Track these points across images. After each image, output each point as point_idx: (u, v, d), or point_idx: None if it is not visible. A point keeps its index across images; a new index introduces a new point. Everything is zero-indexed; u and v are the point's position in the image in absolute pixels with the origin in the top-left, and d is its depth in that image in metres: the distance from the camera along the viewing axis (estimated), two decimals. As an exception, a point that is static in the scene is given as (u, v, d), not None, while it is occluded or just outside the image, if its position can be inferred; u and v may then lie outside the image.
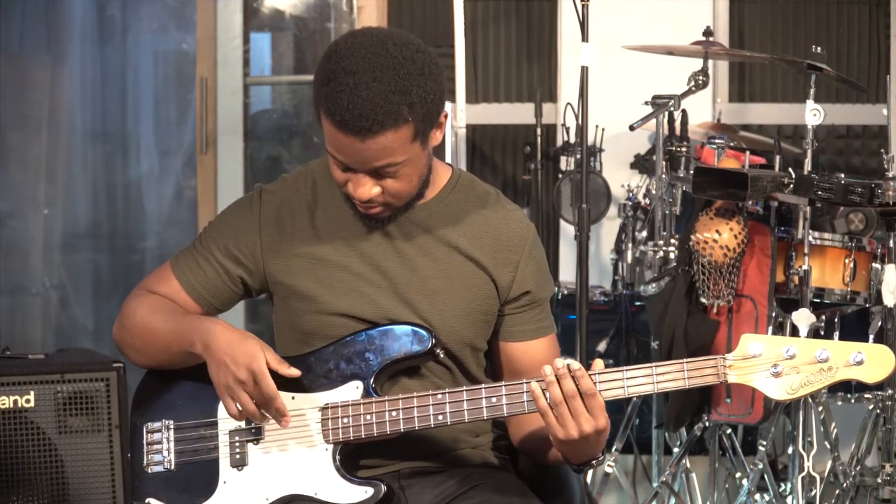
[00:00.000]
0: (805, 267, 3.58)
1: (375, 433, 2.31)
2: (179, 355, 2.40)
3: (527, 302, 2.43)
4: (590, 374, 2.22)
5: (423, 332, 2.34)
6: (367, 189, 2.28)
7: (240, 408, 2.31)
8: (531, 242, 2.43)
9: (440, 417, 2.29)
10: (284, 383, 2.36)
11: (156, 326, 2.41)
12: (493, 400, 2.27)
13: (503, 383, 2.28)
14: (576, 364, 2.22)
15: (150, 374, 2.49)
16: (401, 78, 2.22)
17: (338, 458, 2.33)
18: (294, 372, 2.33)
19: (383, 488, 2.30)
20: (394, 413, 2.30)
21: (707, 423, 3.77)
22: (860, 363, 2.18)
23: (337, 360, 2.36)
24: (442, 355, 2.36)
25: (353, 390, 2.34)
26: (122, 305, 2.50)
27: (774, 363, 2.20)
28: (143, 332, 2.43)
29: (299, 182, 2.45)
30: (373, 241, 2.39)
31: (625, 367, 2.24)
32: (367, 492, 2.31)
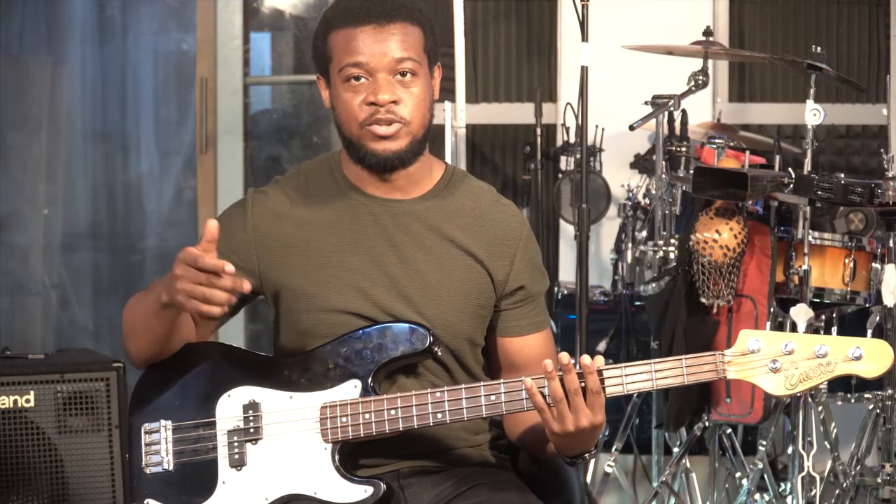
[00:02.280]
0: (805, 267, 3.58)
1: (374, 432, 2.31)
2: (158, 319, 2.34)
3: (521, 297, 2.43)
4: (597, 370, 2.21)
5: (422, 331, 2.34)
6: (390, 88, 2.30)
7: (207, 298, 2.21)
8: (526, 237, 2.44)
9: (439, 416, 2.29)
10: (283, 383, 2.37)
11: (137, 309, 2.41)
12: (492, 398, 2.27)
13: (502, 381, 2.29)
14: (587, 358, 2.21)
15: (148, 375, 2.49)
16: None
17: (337, 457, 2.33)
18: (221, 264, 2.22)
19: (383, 487, 2.30)
20: (392, 412, 2.30)
21: (707, 423, 3.77)
22: (859, 358, 2.18)
23: (335, 359, 2.36)
24: (440, 353, 2.36)
25: (351, 389, 2.34)
26: (124, 311, 2.48)
27: (773, 359, 2.20)
28: (132, 321, 2.42)
29: (292, 182, 2.46)
30: (368, 236, 2.40)
31: (624, 364, 2.24)
32: (366, 491, 2.31)
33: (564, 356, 2.21)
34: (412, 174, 2.40)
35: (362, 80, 2.32)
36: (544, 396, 2.21)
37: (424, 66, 2.35)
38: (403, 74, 2.32)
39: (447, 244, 2.40)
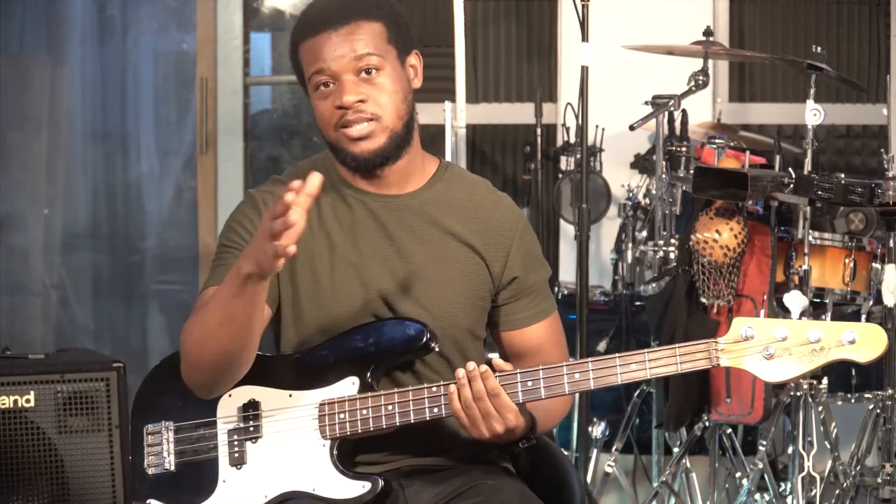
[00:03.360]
0: (805, 267, 3.58)
1: (372, 428, 2.31)
2: (241, 301, 2.20)
3: (517, 289, 2.45)
4: (497, 376, 2.25)
5: (419, 327, 2.34)
6: (354, 89, 2.31)
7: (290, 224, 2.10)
8: (522, 228, 2.45)
9: (435, 410, 2.30)
10: (282, 381, 2.37)
11: (206, 314, 2.26)
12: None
13: (496, 374, 2.28)
14: (483, 367, 2.25)
15: (151, 377, 2.49)
16: None
17: (335, 453, 2.33)
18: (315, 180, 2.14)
19: (381, 483, 2.31)
20: (390, 407, 2.30)
21: (707, 423, 3.77)
22: (852, 342, 2.17)
23: (333, 356, 2.36)
24: (437, 349, 2.36)
25: (349, 386, 2.34)
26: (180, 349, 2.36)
27: (766, 346, 2.20)
28: (203, 329, 2.26)
29: (291, 179, 2.45)
30: (368, 232, 2.40)
31: (618, 354, 2.24)
32: (364, 486, 2.31)
33: (470, 364, 2.25)
34: (403, 169, 2.41)
35: (330, 85, 2.34)
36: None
37: (391, 58, 2.35)
38: (368, 72, 2.33)
39: (445, 236, 2.41)
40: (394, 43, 2.36)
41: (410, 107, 2.39)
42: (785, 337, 2.20)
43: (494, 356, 2.32)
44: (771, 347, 2.20)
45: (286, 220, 2.07)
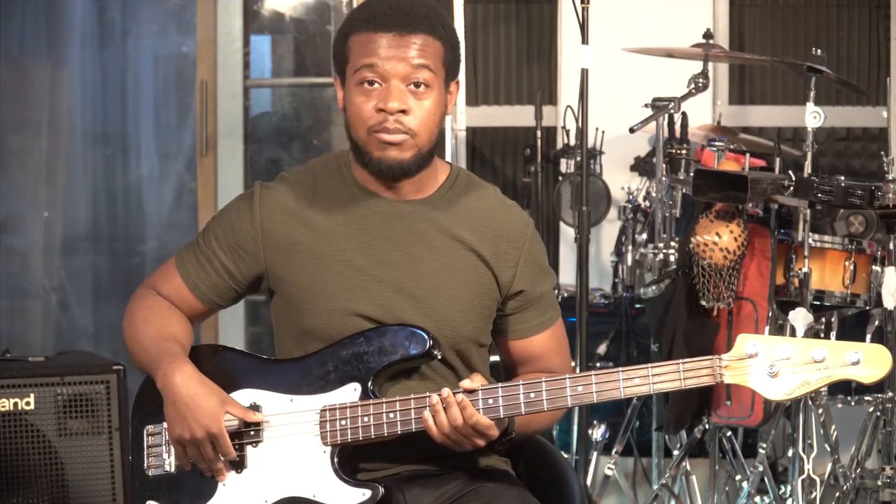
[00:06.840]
0: (805, 269, 3.58)
1: (373, 435, 2.31)
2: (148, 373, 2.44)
3: (524, 300, 2.45)
4: (470, 390, 2.26)
5: (422, 334, 2.34)
6: (401, 97, 2.29)
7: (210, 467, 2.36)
8: (530, 238, 2.45)
9: (437, 418, 2.29)
10: (283, 386, 2.37)
11: (141, 337, 2.44)
12: (490, 402, 2.28)
13: (499, 385, 2.29)
14: (460, 396, 2.26)
15: (150, 378, 2.49)
16: (433, 5, 2.34)
17: (336, 460, 2.33)
18: (259, 417, 2.35)
19: (381, 490, 2.31)
20: (391, 415, 2.30)
21: (707, 426, 3.77)
22: (856, 363, 2.18)
23: (335, 363, 2.36)
24: (440, 357, 2.36)
25: (350, 392, 2.34)
26: (129, 301, 2.51)
27: (771, 363, 2.20)
28: (132, 338, 2.45)
29: (299, 178, 2.46)
30: (375, 235, 2.40)
31: (621, 368, 2.25)
32: (364, 493, 2.31)
33: (445, 391, 2.26)
34: (418, 180, 2.41)
35: (375, 85, 2.31)
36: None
37: (440, 79, 2.34)
38: (417, 85, 2.31)
39: (455, 244, 2.41)
40: (446, 66, 2.34)
41: (440, 130, 2.39)
42: (789, 356, 2.20)
43: (465, 382, 2.30)
44: (775, 365, 2.20)
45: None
